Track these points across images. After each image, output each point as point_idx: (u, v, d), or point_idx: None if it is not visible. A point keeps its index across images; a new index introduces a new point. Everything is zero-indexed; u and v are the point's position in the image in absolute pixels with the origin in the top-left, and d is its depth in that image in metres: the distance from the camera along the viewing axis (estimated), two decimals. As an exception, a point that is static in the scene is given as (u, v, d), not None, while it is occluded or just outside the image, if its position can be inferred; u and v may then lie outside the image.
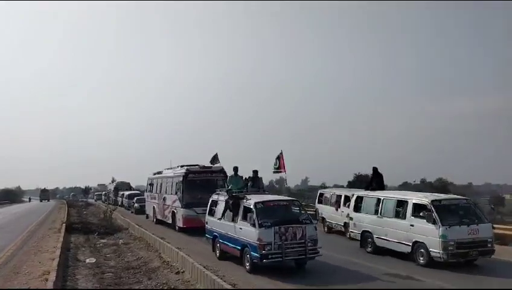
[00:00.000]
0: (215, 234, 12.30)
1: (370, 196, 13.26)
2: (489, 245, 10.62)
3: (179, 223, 18.17)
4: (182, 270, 10.42)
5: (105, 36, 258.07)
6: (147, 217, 24.85)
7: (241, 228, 10.74)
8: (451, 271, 10.15)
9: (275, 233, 9.84)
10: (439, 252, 10.34)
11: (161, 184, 21.88)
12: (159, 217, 21.84)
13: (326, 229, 17.56)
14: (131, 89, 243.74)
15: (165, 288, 9.20)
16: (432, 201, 10.89)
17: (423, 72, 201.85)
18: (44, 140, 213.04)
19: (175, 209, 18.80)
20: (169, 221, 19.62)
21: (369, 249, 12.76)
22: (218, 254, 12.14)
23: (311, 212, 16.03)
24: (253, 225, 10.09)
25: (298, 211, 11.02)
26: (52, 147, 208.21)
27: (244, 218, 10.66)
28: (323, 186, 39.70)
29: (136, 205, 31.30)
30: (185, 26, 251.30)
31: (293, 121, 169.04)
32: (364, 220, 13.03)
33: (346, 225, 15.98)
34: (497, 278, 9.85)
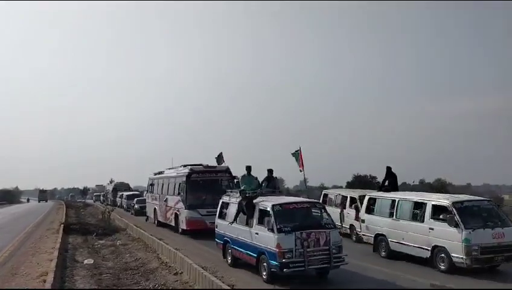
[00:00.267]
0: (226, 239, 11.37)
1: (384, 197, 12.64)
2: (515, 250, 9.94)
3: (182, 226, 17.38)
4: (180, 271, 10.28)
5: (105, 36, 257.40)
6: (148, 219, 24.09)
7: (257, 233, 9.76)
8: (474, 277, 9.54)
9: (296, 239, 8.84)
10: (461, 258, 9.71)
11: (163, 184, 21.10)
12: (160, 219, 21.10)
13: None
14: (131, 89, 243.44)
15: (163, 289, 9.12)
16: (453, 203, 10.28)
17: (423, 72, 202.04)
18: (43, 140, 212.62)
19: (178, 210, 17.98)
20: (172, 223, 18.85)
21: (383, 254, 12.13)
22: (229, 261, 11.21)
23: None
24: (271, 230, 9.10)
25: (319, 214, 9.98)
26: (52, 147, 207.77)
27: (260, 222, 9.68)
28: (322, 187, 39.14)
29: (136, 206, 30.58)
30: (184, 26, 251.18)
31: (293, 121, 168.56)
32: (378, 223, 12.39)
33: (352, 227, 15.47)
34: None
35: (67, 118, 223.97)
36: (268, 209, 9.48)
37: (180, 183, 17.81)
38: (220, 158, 18.14)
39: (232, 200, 11.46)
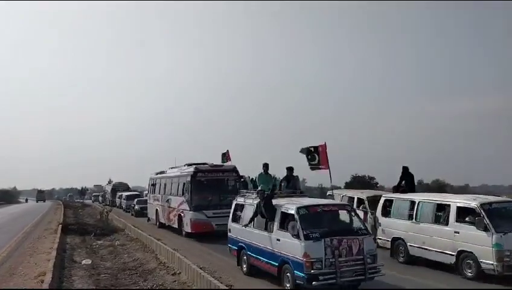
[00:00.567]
0: (241, 244, 10.29)
1: (402, 198, 11.91)
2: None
3: (187, 228, 16.50)
4: (178, 272, 10.16)
5: (105, 36, 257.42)
6: (149, 220, 23.36)
7: (278, 239, 8.69)
8: (506, 285, 8.81)
9: (326, 247, 7.81)
10: (492, 264, 8.97)
11: (165, 184, 20.31)
12: (162, 220, 20.30)
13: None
14: (131, 89, 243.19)
15: (161, 289, 9.07)
16: (482, 204, 9.54)
17: (423, 72, 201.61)
18: (43, 140, 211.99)
19: (182, 212, 17.12)
20: (175, 225, 18.01)
21: (401, 259, 11.39)
22: (245, 269, 10.17)
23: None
24: (297, 236, 8.03)
25: (350, 218, 8.91)
26: (52, 147, 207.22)
27: (282, 226, 8.64)
28: (321, 188, 38.58)
29: (136, 207, 29.76)
30: (184, 26, 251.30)
31: (293, 121, 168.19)
32: (395, 226, 11.65)
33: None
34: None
35: (67, 118, 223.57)
36: (293, 212, 8.43)
37: (184, 183, 17.02)
38: (225, 156, 17.38)
39: (248, 202, 10.41)
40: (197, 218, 15.82)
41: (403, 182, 13.00)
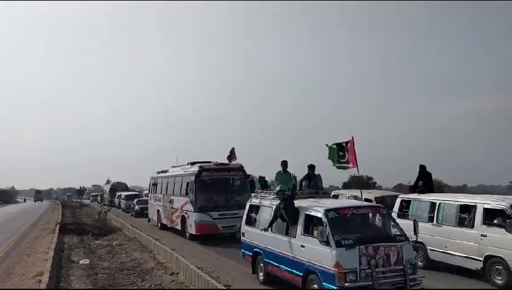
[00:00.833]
0: (257, 250, 9.33)
1: (421, 199, 11.23)
2: None
3: (191, 230, 15.71)
4: (176, 272, 10.16)
5: (105, 36, 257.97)
6: (149, 221, 22.54)
7: (302, 246, 7.74)
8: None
9: (361, 255, 6.89)
10: (525, 270, 8.32)
11: (167, 184, 19.55)
12: (164, 221, 19.51)
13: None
14: (131, 89, 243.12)
15: (159, 289, 9.06)
16: (512, 205, 8.89)
17: (423, 72, 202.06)
18: (43, 140, 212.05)
19: (185, 213, 16.33)
20: (178, 227, 17.23)
21: (420, 264, 10.67)
22: (261, 278, 9.24)
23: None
24: (326, 243, 7.10)
25: (385, 222, 8.04)
26: (51, 147, 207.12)
27: (307, 231, 7.78)
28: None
29: (136, 207, 29.10)
30: (184, 26, 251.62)
31: (293, 121, 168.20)
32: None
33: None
34: None
35: (67, 118, 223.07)
36: (320, 215, 7.52)
37: (188, 183, 16.25)
38: (231, 155, 16.71)
39: (265, 203, 9.51)
40: (201, 219, 15.08)
41: (420, 182, 12.33)
